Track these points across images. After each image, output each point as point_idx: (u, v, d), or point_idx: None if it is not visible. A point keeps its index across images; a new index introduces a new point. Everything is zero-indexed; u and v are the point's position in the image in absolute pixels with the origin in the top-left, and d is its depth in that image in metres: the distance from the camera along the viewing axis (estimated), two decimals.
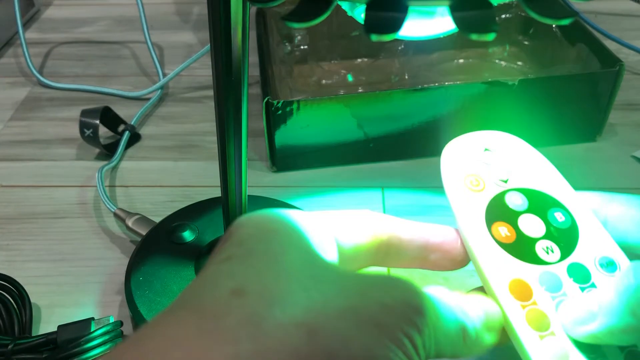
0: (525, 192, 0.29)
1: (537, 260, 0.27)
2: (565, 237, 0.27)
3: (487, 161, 0.30)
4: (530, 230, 0.27)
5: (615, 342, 0.24)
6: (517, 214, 0.28)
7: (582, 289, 0.26)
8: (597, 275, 0.26)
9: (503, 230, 0.27)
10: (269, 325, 0.19)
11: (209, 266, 0.22)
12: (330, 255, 0.25)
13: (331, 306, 0.20)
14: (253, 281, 0.21)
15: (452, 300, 0.24)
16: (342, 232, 0.26)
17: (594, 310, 0.24)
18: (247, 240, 0.23)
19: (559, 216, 0.28)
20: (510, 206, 0.28)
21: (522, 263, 0.26)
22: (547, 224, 0.28)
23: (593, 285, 0.26)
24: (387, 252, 0.27)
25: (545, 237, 0.27)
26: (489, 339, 0.25)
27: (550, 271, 0.26)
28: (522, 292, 0.26)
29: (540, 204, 0.28)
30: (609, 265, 0.26)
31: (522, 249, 0.27)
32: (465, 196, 0.28)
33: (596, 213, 0.28)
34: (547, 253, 0.27)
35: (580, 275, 0.26)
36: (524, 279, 0.26)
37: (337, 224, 0.26)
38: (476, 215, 0.28)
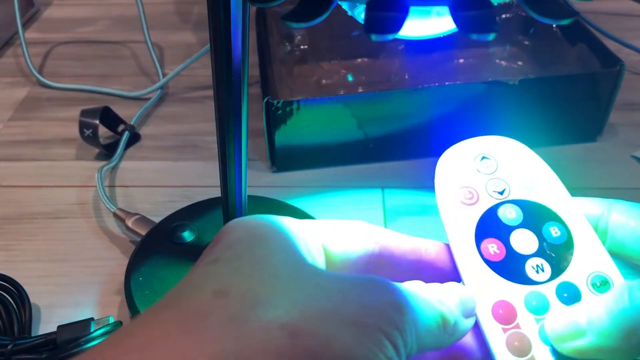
0: (521, 204, 0.28)
1: (525, 280, 0.26)
2: (559, 254, 0.26)
3: (483, 170, 0.29)
4: (521, 247, 0.27)
5: (602, 358, 0.24)
6: (509, 229, 0.27)
7: None
8: (588, 295, 0.25)
9: (492, 247, 0.27)
10: (251, 326, 0.19)
11: (196, 268, 0.23)
12: (317, 261, 0.25)
13: (313, 307, 0.21)
14: (237, 283, 0.21)
15: (429, 293, 0.25)
16: (331, 241, 0.26)
17: (582, 324, 0.24)
18: (235, 244, 0.23)
19: (555, 231, 0.27)
20: (504, 220, 0.27)
21: (509, 283, 0.26)
22: (541, 239, 0.27)
23: None
24: (378, 264, 0.27)
25: (537, 254, 0.26)
26: (467, 323, 0.25)
27: (538, 291, 0.26)
28: (506, 315, 0.25)
29: (535, 217, 0.27)
30: (602, 285, 0.25)
31: (510, 267, 0.26)
32: (456, 210, 0.28)
33: (597, 221, 0.27)
34: (537, 272, 0.26)
35: (569, 295, 0.25)
36: (509, 300, 0.25)
37: (327, 232, 0.26)
38: (466, 231, 0.27)
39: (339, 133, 0.51)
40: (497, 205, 0.28)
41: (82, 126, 0.52)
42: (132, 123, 0.56)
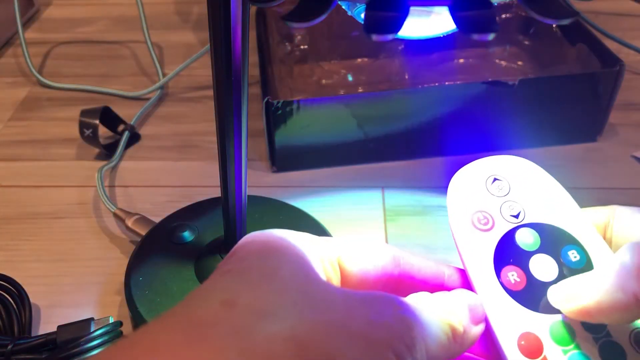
0: (537, 227, 0.27)
1: (549, 309, 0.25)
2: None
3: (496, 193, 0.28)
4: (541, 274, 0.26)
5: (606, 320, 0.24)
6: (528, 254, 0.26)
7: (597, 339, 0.24)
8: None
9: (512, 275, 0.26)
10: (257, 337, 0.19)
11: (208, 280, 0.23)
12: (331, 277, 0.25)
13: (319, 321, 0.20)
14: (244, 294, 0.21)
15: (436, 304, 0.24)
16: (349, 259, 0.26)
17: (585, 282, 0.24)
18: (247, 257, 0.23)
19: (573, 255, 0.26)
20: (521, 246, 0.26)
21: (533, 313, 0.25)
22: (560, 264, 0.26)
23: (608, 335, 0.24)
24: (397, 287, 0.27)
25: (557, 280, 0.26)
26: (477, 330, 0.25)
27: (562, 320, 0.25)
28: (532, 348, 0.24)
29: (553, 241, 0.26)
30: None
31: (532, 296, 0.25)
32: (472, 237, 0.27)
33: (605, 230, 0.27)
34: None
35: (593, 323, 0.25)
36: (534, 331, 0.25)
37: (345, 249, 0.26)
38: (484, 259, 0.26)
39: (339, 133, 0.51)
40: (513, 230, 0.27)
41: (82, 126, 0.52)
42: (132, 123, 0.56)
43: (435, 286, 0.27)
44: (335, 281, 0.25)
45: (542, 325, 0.25)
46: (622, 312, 0.23)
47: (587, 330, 0.25)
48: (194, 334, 0.19)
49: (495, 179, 0.28)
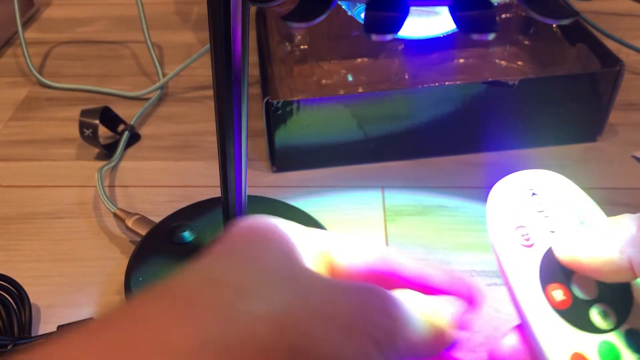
0: None
1: (594, 329, 0.25)
2: (620, 296, 0.25)
3: (535, 208, 0.27)
4: (583, 292, 0.26)
5: (594, 274, 0.25)
6: (569, 272, 0.26)
7: None
8: None
9: (558, 293, 0.25)
10: (237, 314, 0.20)
11: (195, 260, 0.23)
12: (319, 268, 0.25)
13: (304, 306, 0.21)
14: (228, 274, 0.21)
15: (424, 303, 0.25)
16: (338, 252, 0.26)
17: (585, 233, 0.25)
18: (236, 241, 0.24)
19: None
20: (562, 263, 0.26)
21: (580, 332, 0.25)
22: (599, 282, 0.26)
23: None
24: (384, 286, 0.26)
25: (599, 299, 0.25)
26: (457, 333, 0.26)
27: (608, 341, 0.25)
28: None
29: None
30: None
31: (577, 315, 0.25)
32: (517, 255, 0.26)
33: None
34: (603, 319, 0.25)
35: (637, 343, 0.24)
36: (584, 352, 0.24)
37: (335, 243, 0.26)
38: (530, 276, 0.26)
39: (339, 133, 0.51)
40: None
41: (82, 126, 0.52)
42: (132, 123, 0.56)
43: (422, 287, 0.27)
44: (321, 269, 0.25)
45: (591, 344, 0.25)
46: (611, 271, 0.24)
47: (634, 351, 0.24)
48: (176, 308, 0.20)
49: (533, 193, 0.28)
